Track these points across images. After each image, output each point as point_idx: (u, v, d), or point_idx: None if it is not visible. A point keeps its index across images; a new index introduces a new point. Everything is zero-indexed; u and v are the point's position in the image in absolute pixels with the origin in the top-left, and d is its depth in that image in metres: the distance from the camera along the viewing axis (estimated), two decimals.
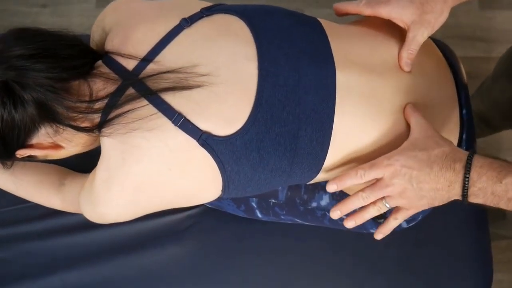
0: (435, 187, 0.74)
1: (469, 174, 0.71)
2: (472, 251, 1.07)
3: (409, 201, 0.77)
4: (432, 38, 0.96)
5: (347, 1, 0.89)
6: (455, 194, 0.74)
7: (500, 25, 1.85)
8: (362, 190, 0.78)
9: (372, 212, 0.80)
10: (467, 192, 0.72)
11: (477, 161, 0.72)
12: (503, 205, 0.72)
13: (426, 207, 0.78)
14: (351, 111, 0.80)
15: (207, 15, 0.81)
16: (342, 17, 0.89)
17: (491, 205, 0.73)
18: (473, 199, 0.73)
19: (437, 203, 0.76)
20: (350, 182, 0.77)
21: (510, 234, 1.44)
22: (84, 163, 1.00)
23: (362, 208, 0.80)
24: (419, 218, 0.96)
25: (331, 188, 0.78)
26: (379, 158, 0.77)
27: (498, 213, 1.45)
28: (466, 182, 0.72)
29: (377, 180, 0.77)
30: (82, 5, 1.89)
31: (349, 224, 0.82)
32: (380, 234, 0.84)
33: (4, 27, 1.88)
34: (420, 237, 1.07)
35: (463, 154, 0.74)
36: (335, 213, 0.80)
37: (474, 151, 0.74)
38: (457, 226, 1.08)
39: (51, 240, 1.06)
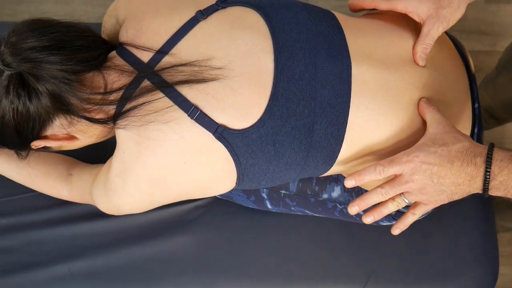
0: (456, 181, 0.74)
1: (490, 168, 0.72)
2: (479, 243, 1.07)
3: (429, 197, 0.77)
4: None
5: None
6: (476, 188, 0.74)
7: (505, 19, 1.85)
8: (380, 186, 0.78)
9: (391, 208, 0.80)
10: (488, 186, 0.73)
11: (497, 154, 0.72)
12: None
13: (445, 201, 0.78)
14: (366, 105, 0.80)
15: (223, 8, 0.81)
16: (356, 12, 0.89)
17: None
18: (494, 192, 0.73)
19: (457, 197, 0.77)
20: (368, 178, 0.77)
21: None
22: (92, 154, 1.01)
23: (381, 203, 0.80)
24: (429, 211, 0.97)
25: (349, 183, 0.78)
26: (398, 154, 0.77)
27: (506, 205, 1.46)
28: (488, 176, 0.72)
29: (396, 176, 0.77)
30: None
31: (368, 219, 0.82)
32: (397, 229, 0.84)
33: (8, 15, 1.87)
34: (428, 228, 1.07)
35: (483, 148, 0.74)
36: (353, 209, 0.80)
37: (492, 144, 0.74)
38: (464, 217, 1.09)
39: (59, 229, 1.06)
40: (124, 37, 0.81)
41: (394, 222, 0.96)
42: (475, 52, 1.81)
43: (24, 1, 1.86)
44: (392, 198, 0.79)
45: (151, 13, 0.81)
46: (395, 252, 1.06)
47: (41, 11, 1.86)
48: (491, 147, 0.73)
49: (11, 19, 1.84)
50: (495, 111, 1.36)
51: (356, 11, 0.90)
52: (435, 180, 0.75)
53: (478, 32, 1.84)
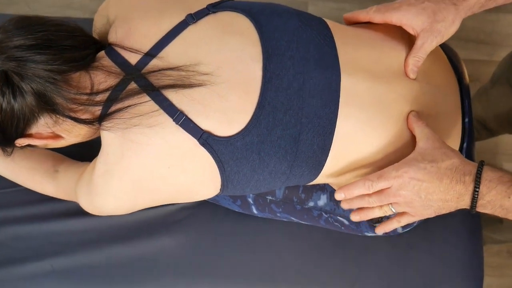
0: (444, 198, 0.75)
1: (478, 187, 0.72)
2: (465, 257, 1.07)
3: (416, 210, 0.78)
4: None
5: (357, 10, 0.88)
6: (464, 205, 0.75)
7: (504, 28, 1.85)
8: (368, 194, 0.79)
9: (377, 213, 0.81)
10: (475, 204, 0.73)
11: (486, 174, 0.72)
12: (511, 217, 0.73)
13: (432, 215, 0.79)
14: (354, 117, 0.80)
15: (213, 12, 0.80)
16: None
17: (499, 216, 0.74)
18: (481, 209, 0.74)
19: (444, 211, 0.77)
20: (357, 192, 0.78)
21: (504, 238, 1.46)
22: (80, 150, 1.00)
23: (368, 208, 0.82)
24: (415, 224, 0.97)
25: (339, 196, 0.80)
26: (387, 169, 0.77)
27: (495, 218, 1.46)
28: (476, 195, 0.72)
29: (385, 189, 0.77)
30: None
31: (355, 217, 0.84)
32: (381, 230, 0.86)
33: (4, 4, 1.85)
34: (413, 240, 1.07)
35: (473, 166, 0.74)
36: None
37: (482, 162, 0.74)
38: (450, 230, 1.08)
39: (43, 225, 1.05)
40: (113, 37, 0.80)
41: (379, 234, 0.97)
42: (473, 61, 1.80)
43: None
44: (380, 206, 0.80)
45: (140, 14, 0.80)
46: (380, 263, 1.06)
47: (38, 1, 1.84)
48: (481, 166, 0.73)
49: (7, 9, 1.83)
50: (488, 122, 1.36)
51: (352, 24, 0.89)
52: (423, 196, 0.75)
53: (476, 41, 1.84)
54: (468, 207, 0.74)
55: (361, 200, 0.80)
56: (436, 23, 0.81)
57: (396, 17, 0.83)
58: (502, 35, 1.84)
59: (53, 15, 1.81)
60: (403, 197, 0.76)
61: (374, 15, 0.85)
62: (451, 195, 0.74)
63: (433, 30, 0.82)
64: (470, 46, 1.83)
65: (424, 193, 0.75)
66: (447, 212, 0.78)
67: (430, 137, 0.78)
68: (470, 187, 0.73)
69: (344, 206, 0.83)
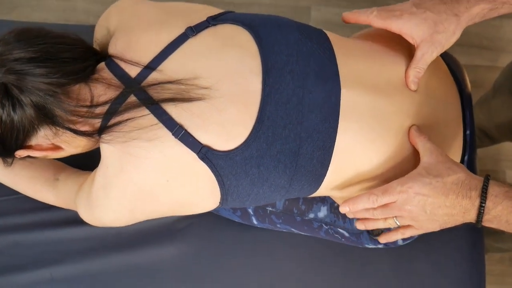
0: (450, 212, 0.74)
1: (485, 203, 0.72)
2: (467, 268, 1.06)
3: (421, 224, 0.78)
4: None
5: (358, 10, 0.86)
6: (470, 219, 0.74)
7: (508, 34, 1.84)
8: (373, 208, 0.79)
9: (382, 225, 0.82)
10: (481, 219, 0.73)
11: (492, 189, 0.72)
12: None
13: (437, 229, 0.78)
14: (354, 131, 0.79)
15: (213, 25, 0.80)
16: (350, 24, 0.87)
17: (505, 230, 0.74)
18: (487, 224, 0.74)
19: (450, 225, 0.77)
20: (362, 206, 0.78)
21: (506, 247, 1.45)
22: (82, 159, 1.00)
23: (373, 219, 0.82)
24: (416, 236, 0.96)
25: (344, 209, 0.80)
26: (391, 183, 0.77)
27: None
28: (482, 210, 0.72)
29: (390, 203, 0.77)
30: None
31: (360, 226, 0.85)
32: (384, 239, 0.87)
33: (8, 9, 1.86)
34: (415, 252, 1.06)
35: (479, 180, 0.74)
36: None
37: (488, 176, 0.74)
38: (452, 241, 1.08)
39: (42, 233, 1.05)
40: (113, 49, 0.80)
41: (379, 246, 0.96)
42: (476, 67, 1.79)
43: None
44: (384, 218, 0.80)
45: (141, 26, 0.80)
46: (381, 273, 1.05)
47: (42, 6, 1.85)
48: (487, 181, 0.73)
49: (11, 12, 1.83)
50: (489, 131, 1.35)
51: (350, 23, 0.87)
52: (428, 211, 0.75)
53: (480, 46, 1.83)
54: (474, 221, 0.74)
55: (365, 212, 0.80)
56: (437, 34, 0.81)
57: (396, 26, 0.82)
58: (505, 41, 1.83)
59: (57, 19, 1.82)
60: (408, 212, 0.76)
61: (374, 19, 0.83)
62: (457, 210, 0.74)
63: (434, 41, 0.81)
64: (473, 52, 1.82)
65: (429, 208, 0.74)
66: (452, 225, 0.77)
67: (433, 151, 0.78)
68: (476, 202, 0.72)
69: (349, 215, 0.84)
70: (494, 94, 1.26)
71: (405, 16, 0.81)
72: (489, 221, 0.73)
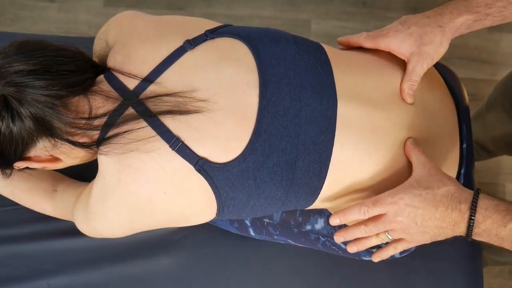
0: (440, 225, 0.74)
1: (474, 216, 0.72)
2: (464, 282, 1.06)
3: (412, 236, 0.78)
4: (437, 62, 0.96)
5: (349, 36, 0.91)
6: (460, 232, 0.74)
7: (507, 48, 1.85)
8: (364, 223, 0.79)
9: (374, 242, 0.81)
10: (471, 231, 0.73)
11: (482, 202, 0.72)
12: (507, 246, 0.73)
13: (428, 241, 0.78)
14: (350, 144, 0.80)
15: (211, 38, 0.81)
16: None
17: (495, 244, 0.74)
18: (477, 237, 0.74)
19: (440, 238, 0.77)
20: (352, 217, 0.78)
21: (505, 260, 1.44)
22: (80, 170, 1.00)
23: (365, 237, 0.82)
24: (413, 249, 0.96)
25: (334, 221, 0.79)
26: (382, 195, 0.77)
27: None
28: (471, 223, 0.72)
29: (381, 215, 0.77)
30: (89, 2, 1.88)
31: (352, 249, 0.83)
32: (377, 257, 0.86)
33: (11, 20, 1.88)
34: (412, 265, 1.06)
35: (469, 193, 0.74)
36: (339, 238, 0.82)
37: (478, 190, 0.74)
38: (450, 253, 1.08)
39: (40, 244, 1.06)
40: (112, 62, 0.81)
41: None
42: (475, 80, 1.80)
43: (27, 6, 1.87)
44: (377, 234, 0.80)
45: (139, 40, 0.81)
46: (379, 285, 1.05)
47: (44, 18, 1.86)
48: (477, 194, 0.73)
49: (13, 24, 1.85)
50: (486, 144, 1.36)
51: (345, 48, 0.91)
52: (419, 223, 0.75)
53: (479, 60, 1.83)
54: (464, 235, 0.74)
55: (357, 230, 0.80)
56: (424, 45, 0.82)
57: (385, 44, 0.85)
58: (505, 55, 1.84)
59: (59, 30, 1.83)
60: (399, 224, 0.76)
61: (364, 41, 0.87)
62: (447, 222, 0.74)
63: (422, 53, 0.82)
64: (473, 66, 1.83)
65: (420, 219, 0.75)
66: (444, 238, 0.77)
67: (426, 164, 0.78)
68: (466, 215, 0.72)
69: (338, 239, 0.82)
70: (488, 108, 1.27)
71: (391, 34, 0.84)
72: (478, 235, 0.73)
